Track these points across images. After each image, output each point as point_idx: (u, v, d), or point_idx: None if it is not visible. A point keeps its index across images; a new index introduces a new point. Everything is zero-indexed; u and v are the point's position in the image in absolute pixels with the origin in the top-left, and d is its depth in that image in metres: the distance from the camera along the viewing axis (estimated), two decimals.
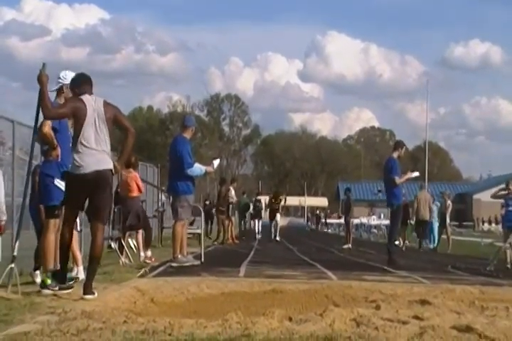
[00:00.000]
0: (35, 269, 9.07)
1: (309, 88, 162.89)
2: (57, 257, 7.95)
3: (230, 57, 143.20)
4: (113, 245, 13.38)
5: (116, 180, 14.09)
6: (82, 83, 7.73)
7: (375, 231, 39.92)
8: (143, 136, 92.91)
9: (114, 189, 14.91)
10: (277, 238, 26.75)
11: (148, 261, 12.94)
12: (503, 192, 15.26)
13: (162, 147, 77.36)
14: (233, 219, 25.61)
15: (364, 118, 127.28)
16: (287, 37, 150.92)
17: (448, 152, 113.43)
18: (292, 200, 77.14)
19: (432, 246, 23.65)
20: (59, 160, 8.10)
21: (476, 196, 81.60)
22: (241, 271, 11.30)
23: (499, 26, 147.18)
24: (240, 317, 5.80)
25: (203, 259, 12.73)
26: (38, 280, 8.75)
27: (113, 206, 14.02)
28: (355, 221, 36.14)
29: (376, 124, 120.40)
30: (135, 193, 13.81)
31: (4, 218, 8.02)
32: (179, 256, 11.86)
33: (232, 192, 24.74)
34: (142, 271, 10.60)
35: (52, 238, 8.04)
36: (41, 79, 7.53)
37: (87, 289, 7.32)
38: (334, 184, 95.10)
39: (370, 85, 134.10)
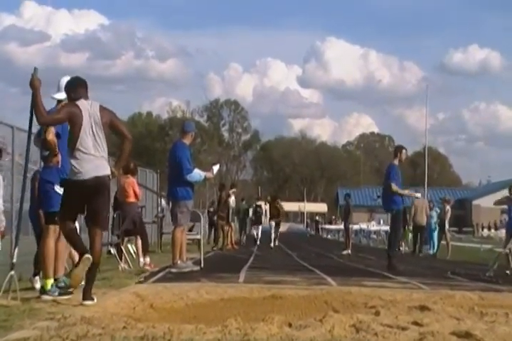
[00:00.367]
0: (35, 275, 9.08)
1: (309, 94, 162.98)
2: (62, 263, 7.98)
3: (230, 62, 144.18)
4: (112, 251, 13.38)
5: (115, 185, 14.11)
6: (77, 87, 7.65)
7: (374, 236, 39.89)
8: (142, 142, 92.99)
9: (113, 194, 15.02)
10: (271, 244, 26.69)
11: (147, 267, 12.93)
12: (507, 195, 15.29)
13: (161, 153, 77.39)
14: (233, 224, 25.60)
15: (363, 123, 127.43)
16: (286, 42, 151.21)
17: (447, 157, 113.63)
18: (292, 206, 77.23)
19: (431, 252, 23.65)
20: (59, 166, 8.09)
21: (475, 202, 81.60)
22: (240, 276, 11.29)
23: (498, 32, 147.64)
24: (240, 323, 5.80)
25: (202, 265, 12.72)
26: (38, 285, 8.75)
27: (112, 212, 14.06)
28: (355, 227, 36.11)
29: (376, 130, 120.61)
30: (132, 199, 13.82)
31: (3, 224, 8.02)
32: (178, 262, 11.86)
33: (232, 197, 24.75)
34: (141, 278, 10.60)
35: (52, 244, 8.03)
36: (34, 84, 7.44)
37: (87, 295, 7.31)
38: (334, 190, 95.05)
39: (370, 91, 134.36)
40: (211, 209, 29.97)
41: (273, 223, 28.05)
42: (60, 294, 7.78)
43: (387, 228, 31.16)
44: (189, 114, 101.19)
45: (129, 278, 10.46)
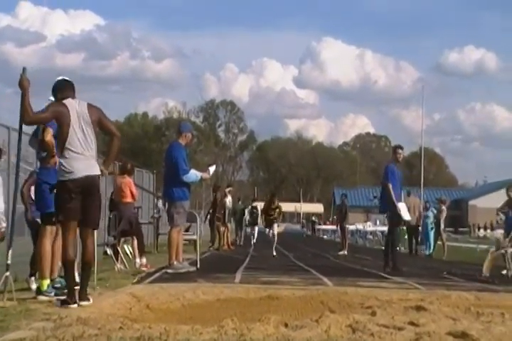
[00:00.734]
0: (31, 275, 9.07)
1: (305, 94, 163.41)
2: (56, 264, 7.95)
3: (226, 63, 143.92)
4: (108, 251, 13.37)
5: (112, 186, 14.11)
6: (64, 88, 7.63)
7: (370, 237, 39.92)
8: (138, 143, 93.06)
9: (109, 195, 15.01)
10: (273, 253, 20.93)
11: (144, 268, 12.92)
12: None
13: (158, 153, 77.28)
14: (229, 225, 25.59)
15: (359, 124, 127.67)
16: (282, 43, 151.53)
17: (443, 158, 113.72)
18: (288, 206, 77.22)
19: (427, 252, 23.66)
20: (56, 167, 8.07)
21: (471, 202, 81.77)
22: (237, 277, 11.29)
23: (494, 32, 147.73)
24: (236, 324, 5.80)
25: (198, 265, 12.72)
26: (34, 286, 8.74)
27: (108, 212, 14.05)
28: (351, 227, 36.13)
29: (372, 130, 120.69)
30: (128, 199, 13.81)
31: (4, 225, 8.01)
32: (175, 263, 11.86)
33: (229, 197, 24.74)
34: (137, 279, 10.60)
35: (48, 245, 8.03)
36: (22, 84, 7.40)
37: (82, 295, 7.30)
38: (330, 190, 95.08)
39: (366, 91, 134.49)
40: (211, 211, 29.83)
41: (275, 225, 22.37)
42: (56, 294, 7.77)
43: (383, 228, 31.26)
44: (185, 114, 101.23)
45: (125, 279, 10.47)
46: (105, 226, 13.83)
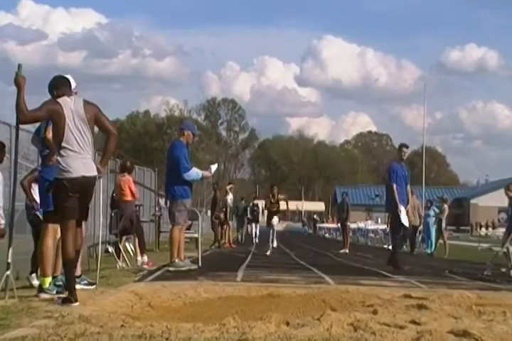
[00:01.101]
0: (31, 273, 9.07)
1: (306, 92, 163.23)
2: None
3: (227, 61, 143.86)
4: (110, 249, 13.38)
5: (113, 184, 14.11)
6: (60, 85, 7.59)
7: (372, 235, 39.93)
8: (140, 141, 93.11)
9: (110, 193, 15.03)
10: (268, 251, 19.60)
11: (145, 266, 12.92)
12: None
13: (160, 151, 77.40)
14: (230, 223, 25.60)
15: (361, 122, 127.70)
16: (284, 41, 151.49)
17: (445, 156, 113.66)
18: (289, 205, 77.10)
19: (429, 251, 23.66)
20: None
21: (473, 201, 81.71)
22: (238, 275, 11.29)
23: (495, 31, 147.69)
24: (238, 322, 5.80)
25: (200, 263, 12.73)
26: (35, 282, 8.75)
27: (110, 210, 14.06)
28: (352, 225, 36.14)
29: (373, 129, 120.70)
30: (128, 197, 13.81)
31: (3, 222, 8.01)
32: (176, 261, 11.86)
33: (230, 195, 24.75)
34: (138, 277, 10.61)
35: (50, 243, 8.02)
36: (18, 82, 7.37)
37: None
38: (331, 188, 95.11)
39: (367, 90, 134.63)
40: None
41: (275, 219, 20.43)
42: (58, 292, 7.78)
43: (384, 227, 31.26)
44: (187, 112, 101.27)
45: (126, 277, 10.47)
46: (106, 224, 13.83)
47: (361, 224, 42.96)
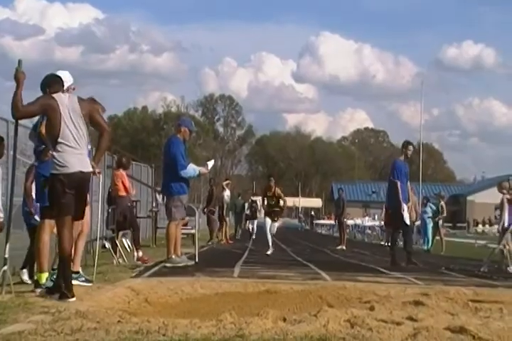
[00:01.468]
0: (22, 268, 9.02)
1: (303, 89, 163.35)
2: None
3: (224, 57, 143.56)
4: (107, 245, 13.38)
5: (110, 180, 14.10)
6: (52, 83, 7.58)
7: (369, 232, 39.96)
8: (137, 136, 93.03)
9: (107, 189, 15.01)
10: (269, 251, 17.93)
11: (139, 261, 12.89)
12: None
13: (157, 147, 77.31)
14: (227, 219, 25.61)
15: (358, 119, 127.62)
16: (281, 37, 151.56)
17: (442, 153, 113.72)
18: (287, 202, 77.09)
19: (425, 248, 23.69)
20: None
21: (469, 197, 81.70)
22: (235, 271, 11.29)
23: (492, 28, 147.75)
24: (234, 318, 5.80)
25: (197, 259, 12.73)
26: (25, 277, 8.74)
27: (107, 206, 14.05)
28: (349, 222, 36.17)
29: (370, 125, 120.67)
30: (122, 193, 13.81)
31: (1, 215, 8.01)
32: (173, 257, 11.86)
33: (227, 191, 24.75)
34: (135, 272, 10.61)
35: (46, 238, 8.00)
36: (18, 77, 7.38)
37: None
38: (328, 185, 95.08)
39: (364, 86, 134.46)
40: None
41: (269, 221, 18.57)
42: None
43: (380, 223, 31.31)
44: (184, 108, 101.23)
45: (123, 273, 10.47)
46: (103, 220, 13.82)
47: (358, 221, 43.00)
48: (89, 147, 8.13)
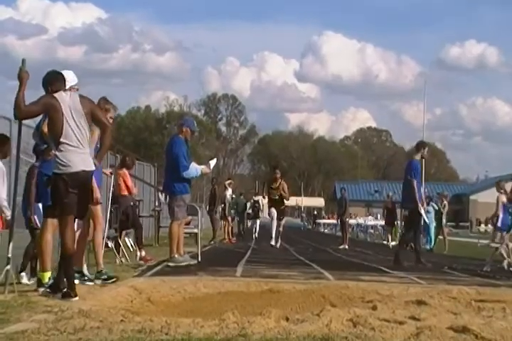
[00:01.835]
0: (21, 271, 8.95)
1: (306, 88, 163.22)
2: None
3: (227, 56, 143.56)
4: (110, 244, 13.38)
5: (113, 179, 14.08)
6: (54, 81, 7.54)
7: (371, 231, 39.96)
8: (140, 136, 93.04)
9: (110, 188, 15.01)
10: (277, 244, 19.21)
11: (141, 261, 12.88)
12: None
13: (159, 146, 77.22)
14: (229, 218, 25.63)
15: (361, 118, 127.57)
16: (284, 37, 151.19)
17: (445, 152, 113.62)
18: (289, 200, 77.03)
19: (428, 247, 23.67)
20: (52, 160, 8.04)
21: (472, 197, 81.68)
22: (238, 270, 11.29)
23: (495, 27, 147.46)
24: (237, 317, 5.80)
25: (199, 259, 12.73)
26: (24, 280, 8.72)
27: (110, 205, 14.05)
28: (352, 221, 36.16)
29: (373, 125, 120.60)
30: (124, 192, 13.81)
31: (8, 213, 8.00)
32: (176, 256, 11.86)
33: (230, 190, 24.76)
34: (138, 272, 10.61)
35: (49, 237, 7.99)
36: (21, 76, 7.36)
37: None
38: (331, 184, 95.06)
39: (367, 85, 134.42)
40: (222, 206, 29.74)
41: (274, 211, 18.53)
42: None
43: (383, 222, 31.28)
44: (186, 108, 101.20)
45: (126, 272, 10.47)
46: (107, 219, 13.83)
47: (361, 220, 42.99)
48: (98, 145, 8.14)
